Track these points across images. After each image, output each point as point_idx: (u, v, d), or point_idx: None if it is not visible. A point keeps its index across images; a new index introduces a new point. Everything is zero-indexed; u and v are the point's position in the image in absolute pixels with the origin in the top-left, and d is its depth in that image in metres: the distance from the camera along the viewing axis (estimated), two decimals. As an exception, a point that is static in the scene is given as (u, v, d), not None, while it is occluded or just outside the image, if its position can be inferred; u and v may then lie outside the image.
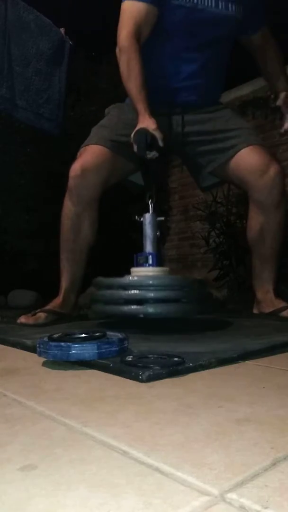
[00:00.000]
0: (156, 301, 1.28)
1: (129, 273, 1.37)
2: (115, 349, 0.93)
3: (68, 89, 2.70)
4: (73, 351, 0.90)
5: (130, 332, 1.07)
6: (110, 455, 0.49)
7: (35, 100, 2.47)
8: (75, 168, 1.60)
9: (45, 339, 0.96)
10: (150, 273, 1.37)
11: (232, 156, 1.62)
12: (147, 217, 1.44)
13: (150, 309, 1.28)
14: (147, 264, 1.39)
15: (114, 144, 1.62)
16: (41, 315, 1.54)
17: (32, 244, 2.89)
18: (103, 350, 0.91)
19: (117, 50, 1.57)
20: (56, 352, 0.91)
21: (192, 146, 1.70)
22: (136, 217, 1.46)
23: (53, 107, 2.58)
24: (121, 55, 1.55)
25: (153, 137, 1.43)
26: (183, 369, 0.85)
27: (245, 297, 1.94)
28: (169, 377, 0.81)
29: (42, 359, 0.96)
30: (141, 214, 1.45)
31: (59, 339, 0.94)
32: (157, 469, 0.45)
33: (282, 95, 1.76)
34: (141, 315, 1.28)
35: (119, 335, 0.99)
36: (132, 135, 1.46)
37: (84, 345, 0.91)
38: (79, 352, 0.90)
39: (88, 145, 1.65)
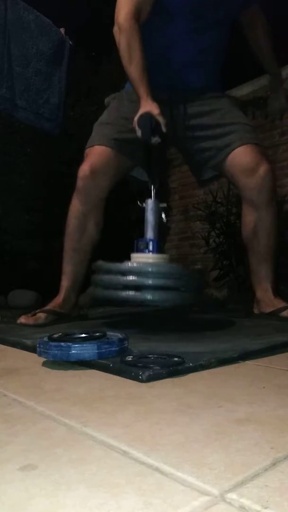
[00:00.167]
0: (154, 288, 1.27)
1: (129, 258, 1.36)
2: (115, 349, 0.93)
3: (68, 89, 2.70)
4: (73, 351, 0.90)
5: (130, 332, 1.07)
6: (110, 455, 0.49)
7: (35, 100, 2.47)
8: (84, 169, 1.60)
9: (45, 339, 0.96)
10: (150, 260, 1.36)
11: (227, 155, 1.63)
12: (149, 203, 1.42)
13: (148, 296, 1.27)
14: (147, 250, 1.38)
15: (116, 142, 1.63)
16: (41, 315, 1.54)
17: (32, 244, 2.89)
18: (103, 350, 0.91)
19: (115, 29, 1.53)
20: (56, 352, 0.91)
21: (192, 142, 1.70)
22: (138, 202, 1.45)
23: (53, 107, 2.58)
24: (120, 36, 1.50)
25: (156, 122, 1.43)
26: (183, 369, 0.85)
27: (245, 297, 1.94)
28: (169, 377, 0.82)
29: (42, 359, 0.96)
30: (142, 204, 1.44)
31: (59, 339, 0.94)
32: (157, 469, 0.45)
33: (272, 78, 1.86)
34: (139, 302, 1.28)
35: (119, 335, 0.99)
36: (135, 119, 1.45)
37: (84, 345, 0.91)
38: (79, 352, 0.90)
39: (93, 145, 1.65)
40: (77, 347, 0.90)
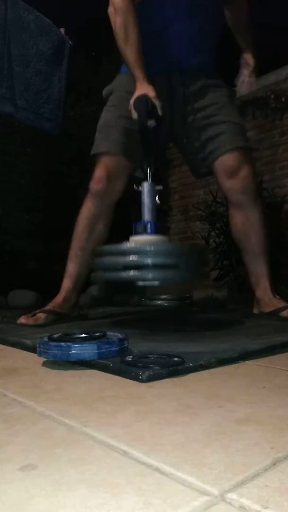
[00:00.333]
0: (154, 267, 1.27)
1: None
2: (115, 349, 0.93)
3: (68, 89, 2.70)
4: (73, 351, 0.90)
5: (130, 332, 1.07)
6: (110, 455, 0.49)
7: (35, 100, 2.47)
8: (100, 174, 1.63)
9: (45, 339, 0.96)
10: (148, 239, 1.36)
11: (215, 159, 1.66)
12: (145, 186, 1.42)
13: (148, 274, 1.27)
14: (145, 232, 1.38)
15: (123, 147, 1.63)
16: (41, 316, 1.54)
17: (32, 244, 2.89)
18: (103, 350, 0.91)
19: (110, 10, 1.53)
20: (56, 352, 0.91)
21: (186, 140, 1.71)
22: (135, 186, 1.45)
23: (53, 107, 2.57)
24: (116, 17, 1.50)
25: (152, 105, 1.43)
26: (183, 369, 0.85)
27: (245, 297, 1.95)
28: (169, 377, 0.82)
29: (42, 359, 0.96)
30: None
31: (59, 339, 0.94)
32: (157, 469, 0.45)
33: (245, 56, 1.85)
34: (140, 282, 1.28)
35: (119, 335, 0.99)
36: (131, 102, 1.46)
37: (84, 345, 0.91)
38: (79, 352, 0.90)
39: (104, 152, 1.65)
40: (77, 347, 0.90)
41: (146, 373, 0.80)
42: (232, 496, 0.39)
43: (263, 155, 3.39)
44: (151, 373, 0.80)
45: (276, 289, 1.68)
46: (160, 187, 1.45)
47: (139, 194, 1.44)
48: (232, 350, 0.99)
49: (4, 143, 2.84)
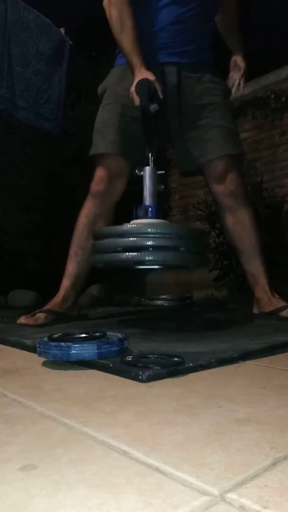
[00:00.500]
0: (154, 248, 1.25)
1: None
2: (115, 349, 0.93)
3: (68, 89, 2.70)
4: (73, 351, 0.90)
5: (130, 332, 1.07)
6: (110, 455, 0.49)
7: (35, 100, 2.47)
8: (101, 175, 1.64)
9: (45, 339, 0.96)
10: (149, 222, 1.34)
11: (204, 164, 1.68)
12: (147, 170, 1.42)
13: (148, 256, 1.25)
14: (146, 216, 1.37)
15: (122, 147, 1.63)
16: (41, 316, 1.54)
17: (32, 244, 2.89)
18: (103, 350, 0.91)
19: (105, 2, 1.54)
20: (56, 352, 0.91)
21: (182, 140, 1.71)
22: (136, 171, 1.45)
23: (53, 107, 2.57)
24: (111, 9, 1.52)
25: (154, 89, 1.43)
26: (183, 369, 0.85)
27: (245, 297, 1.94)
28: (169, 377, 0.82)
29: (42, 359, 0.96)
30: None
31: (59, 339, 0.94)
32: (157, 469, 0.45)
33: (235, 58, 1.85)
34: (140, 264, 1.27)
35: (119, 335, 0.99)
36: (132, 88, 1.46)
37: (84, 345, 0.91)
38: (79, 352, 0.90)
39: (104, 153, 1.65)
40: (77, 347, 0.90)
41: (146, 373, 0.80)
42: (232, 496, 0.39)
43: (263, 155, 3.39)
44: (151, 373, 0.80)
45: (275, 289, 1.68)
46: (162, 172, 1.45)
47: (141, 178, 1.43)
48: (232, 350, 0.99)
49: (4, 143, 2.84)
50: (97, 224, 1.65)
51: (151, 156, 1.44)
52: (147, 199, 1.41)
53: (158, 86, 1.45)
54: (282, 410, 0.62)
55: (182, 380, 0.81)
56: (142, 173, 1.43)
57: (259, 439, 0.52)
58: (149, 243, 1.25)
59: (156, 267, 1.35)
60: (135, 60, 1.48)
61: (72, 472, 0.45)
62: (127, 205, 1.80)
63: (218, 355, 0.94)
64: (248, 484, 0.41)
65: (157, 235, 1.26)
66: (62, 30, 2.60)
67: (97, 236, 1.41)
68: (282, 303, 1.59)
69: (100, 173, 1.65)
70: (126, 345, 0.98)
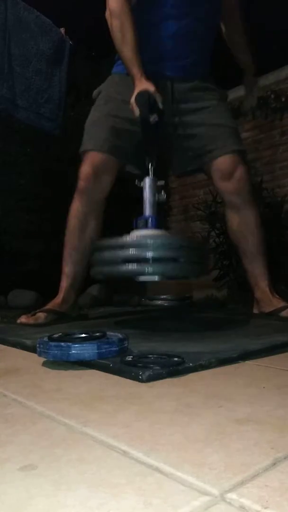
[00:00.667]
0: (154, 260, 1.25)
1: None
2: (115, 349, 0.93)
3: (68, 89, 2.70)
4: (73, 351, 0.90)
5: (130, 332, 1.07)
6: (110, 455, 0.49)
7: (35, 100, 2.47)
8: (87, 171, 1.63)
9: (45, 339, 0.96)
10: (148, 233, 1.35)
11: (209, 161, 1.67)
12: (147, 181, 1.43)
13: (148, 268, 1.25)
14: (146, 227, 1.38)
15: (111, 145, 1.63)
16: (41, 315, 1.55)
17: (32, 244, 2.89)
18: (103, 350, 0.91)
19: (107, 14, 1.55)
20: (56, 352, 0.91)
21: (176, 139, 1.70)
22: (136, 181, 1.45)
23: (54, 107, 2.58)
24: (112, 20, 1.53)
25: (154, 100, 1.44)
26: (183, 369, 0.85)
27: (245, 297, 1.95)
28: (169, 377, 0.82)
29: (42, 359, 0.96)
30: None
31: (59, 339, 0.94)
32: (157, 469, 0.45)
33: (248, 77, 1.88)
34: (140, 276, 1.27)
35: (119, 335, 0.99)
36: (132, 99, 1.46)
37: (84, 345, 0.91)
38: (79, 352, 0.90)
39: (90, 150, 1.65)
40: (77, 347, 0.90)
41: (146, 373, 0.80)
42: (232, 496, 0.39)
43: (263, 155, 3.39)
44: (151, 373, 0.80)
45: (276, 289, 1.68)
46: (162, 182, 1.45)
47: (141, 189, 1.43)
48: (232, 350, 0.99)
49: (4, 143, 2.84)
50: (88, 222, 1.65)
51: (151, 166, 1.44)
52: (147, 210, 1.41)
53: (158, 97, 1.45)
54: (282, 410, 0.62)
55: (182, 380, 0.81)
56: (142, 184, 1.43)
57: (259, 439, 0.52)
58: (149, 254, 1.25)
59: (156, 278, 1.34)
60: (135, 71, 1.49)
61: (72, 472, 0.45)
62: (127, 206, 1.80)
63: (218, 355, 0.94)
64: (248, 484, 0.41)
65: (157, 247, 1.26)
66: (62, 30, 2.61)
67: (96, 248, 1.41)
68: (282, 303, 1.59)
69: (84, 169, 1.64)
70: (126, 345, 0.98)
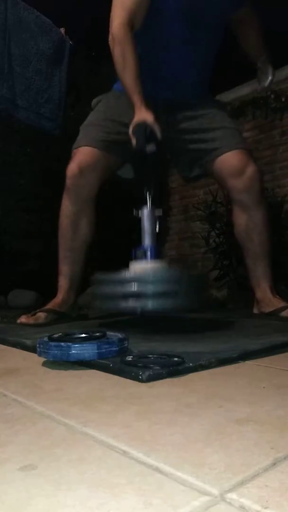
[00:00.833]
0: (153, 296, 1.27)
1: (128, 267, 1.37)
2: (115, 349, 0.93)
3: (68, 89, 2.70)
4: (73, 351, 0.90)
5: (130, 332, 1.07)
6: (110, 455, 0.49)
7: (35, 100, 2.47)
8: (73, 168, 1.63)
9: (45, 339, 0.96)
10: (147, 267, 1.36)
11: (215, 158, 1.66)
12: (145, 211, 1.44)
13: (147, 303, 1.27)
14: (145, 258, 1.39)
15: (103, 143, 1.64)
16: (41, 315, 1.55)
17: (32, 244, 2.89)
18: (103, 350, 0.91)
19: (110, 39, 1.55)
20: (56, 352, 0.91)
21: (180, 143, 1.71)
22: (134, 211, 1.46)
23: (54, 107, 2.58)
24: (114, 46, 1.53)
25: (151, 130, 1.44)
26: (183, 369, 0.85)
27: (245, 297, 1.95)
28: (169, 377, 0.81)
29: (42, 359, 0.96)
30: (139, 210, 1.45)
31: (59, 339, 0.94)
32: (157, 469, 0.45)
33: (262, 58, 1.86)
34: (140, 311, 1.28)
35: (119, 335, 0.99)
36: (130, 128, 1.47)
37: (84, 345, 0.91)
38: (79, 352, 0.90)
39: (80, 146, 1.66)
40: (77, 347, 0.90)
41: (146, 373, 0.80)
42: (232, 496, 0.39)
43: (263, 155, 3.39)
44: (151, 373, 0.80)
45: (276, 289, 1.68)
46: (160, 213, 1.47)
47: (139, 219, 1.45)
48: (232, 350, 0.99)
49: (4, 143, 2.84)
50: (79, 221, 1.65)
51: (149, 195, 1.45)
52: (146, 240, 1.43)
53: (156, 128, 1.45)
54: (282, 410, 0.62)
55: (182, 380, 0.81)
56: (140, 213, 1.45)
57: (259, 439, 0.52)
58: (148, 290, 1.27)
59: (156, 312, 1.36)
60: (136, 98, 1.48)
61: (72, 472, 0.45)
62: (127, 206, 1.80)
63: (218, 355, 0.94)
64: (248, 484, 0.41)
65: (156, 282, 1.28)
66: (62, 30, 2.61)
67: (97, 282, 1.42)
68: (282, 304, 1.59)
69: (70, 167, 1.64)
70: (126, 345, 0.98)
